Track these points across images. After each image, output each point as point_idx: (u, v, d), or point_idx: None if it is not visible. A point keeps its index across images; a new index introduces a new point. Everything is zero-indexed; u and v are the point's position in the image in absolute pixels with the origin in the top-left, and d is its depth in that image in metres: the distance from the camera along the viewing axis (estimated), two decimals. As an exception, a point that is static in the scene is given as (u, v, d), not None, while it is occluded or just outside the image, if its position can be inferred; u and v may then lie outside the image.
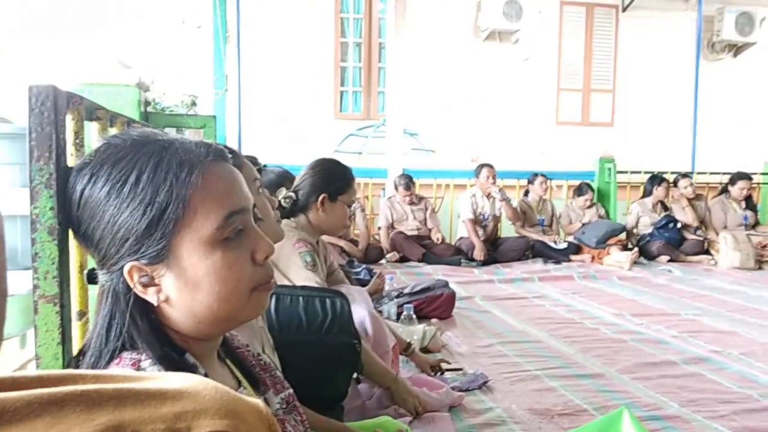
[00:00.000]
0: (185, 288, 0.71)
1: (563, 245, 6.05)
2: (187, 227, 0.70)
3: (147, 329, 0.72)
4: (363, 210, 5.94)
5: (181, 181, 0.70)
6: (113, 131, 1.46)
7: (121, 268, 0.71)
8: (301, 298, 1.87)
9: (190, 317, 0.73)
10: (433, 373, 2.57)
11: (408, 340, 2.65)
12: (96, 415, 0.37)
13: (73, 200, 0.73)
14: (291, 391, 0.97)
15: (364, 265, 4.77)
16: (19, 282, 1.77)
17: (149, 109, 2.84)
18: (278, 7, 7.52)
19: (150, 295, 0.72)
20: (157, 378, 0.42)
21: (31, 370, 0.42)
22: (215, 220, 0.71)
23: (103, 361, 0.70)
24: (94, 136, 1.30)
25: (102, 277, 0.74)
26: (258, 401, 0.45)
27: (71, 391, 0.38)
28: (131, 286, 0.71)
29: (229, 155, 0.79)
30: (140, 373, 0.44)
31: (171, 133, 0.80)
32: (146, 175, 0.69)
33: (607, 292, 4.64)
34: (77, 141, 0.97)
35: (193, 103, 5.18)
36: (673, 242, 6.18)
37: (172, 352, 0.72)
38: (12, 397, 0.36)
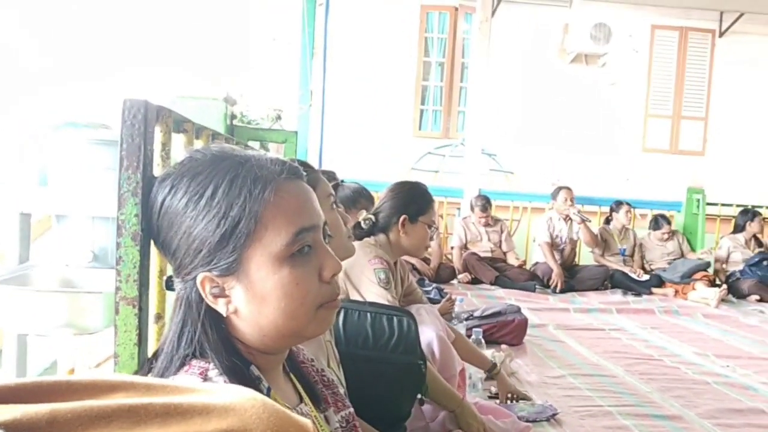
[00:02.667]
0: (253, 301, 0.73)
1: (645, 277, 5.79)
2: (258, 241, 0.72)
3: (216, 339, 0.73)
4: (437, 228, 5.91)
5: (254, 197, 0.71)
6: (199, 143, 1.53)
7: (195, 277, 0.73)
8: (369, 314, 1.88)
9: (256, 330, 0.74)
10: (508, 401, 2.52)
11: (494, 361, 2.62)
12: (141, 431, 0.37)
13: (154, 209, 0.76)
14: (352, 410, 0.96)
15: (434, 285, 4.74)
16: (108, 280, 1.87)
17: (235, 122, 2.95)
18: (364, 25, 7.67)
19: (220, 306, 0.73)
20: (206, 392, 0.42)
21: (87, 374, 0.43)
22: (285, 236, 0.72)
23: (173, 366, 0.72)
24: (180, 148, 1.36)
25: (177, 285, 0.76)
26: (307, 421, 0.45)
27: (120, 405, 0.38)
28: (203, 296, 0.73)
29: (304, 173, 0.79)
30: (191, 385, 0.44)
31: (251, 149, 0.81)
32: (222, 189, 0.71)
33: (690, 329, 4.40)
34: (164, 152, 1.02)
35: (278, 117, 5.33)
36: (766, 281, 5.78)
37: (239, 363, 0.73)
38: (64, 409, 0.37)
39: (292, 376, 0.86)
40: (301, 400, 0.83)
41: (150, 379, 0.44)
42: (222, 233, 0.71)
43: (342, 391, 0.98)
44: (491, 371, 2.57)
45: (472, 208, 5.95)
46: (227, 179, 0.72)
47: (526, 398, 2.57)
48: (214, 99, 2.59)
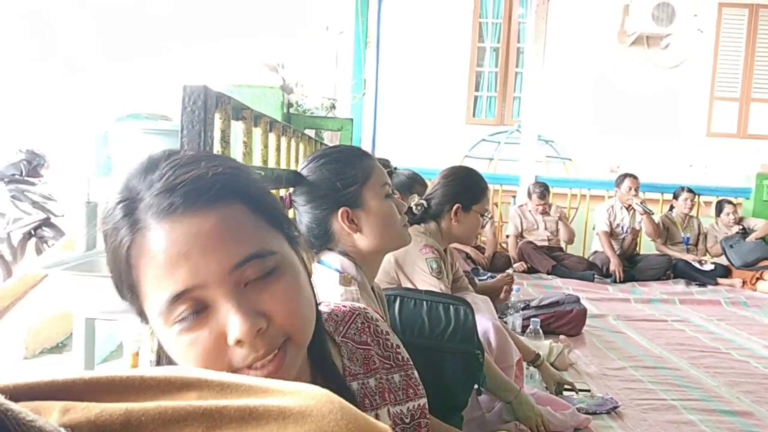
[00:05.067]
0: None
1: (710, 267, 5.57)
2: (145, 298, 0.61)
3: None
4: (491, 217, 5.83)
5: (121, 248, 0.60)
6: (257, 131, 1.54)
7: None
8: (425, 302, 1.86)
9: None
10: (556, 392, 2.46)
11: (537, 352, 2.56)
12: None
13: None
14: (424, 401, 0.84)
15: (489, 274, 4.68)
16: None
17: (291, 110, 2.97)
18: (417, 12, 7.60)
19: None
20: (282, 392, 0.41)
21: (161, 369, 0.43)
22: (158, 304, 0.59)
23: None
24: (240, 135, 1.37)
25: None
26: (386, 427, 0.43)
27: (195, 409, 0.37)
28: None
29: (217, 195, 0.60)
30: (266, 384, 0.42)
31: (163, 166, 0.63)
32: (104, 234, 0.63)
33: (759, 321, 4.21)
34: (224, 139, 1.03)
35: (333, 106, 5.36)
36: (842, 271, 5.47)
37: None
38: (137, 409, 0.36)
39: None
40: None
41: (224, 377, 0.42)
42: (114, 283, 0.64)
43: (416, 375, 0.86)
44: (534, 362, 2.50)
45: (529, 195, 5.83)
46: (107, 223, 0.62)
47: (573, 387, 2.49)
48: (271, 87, 2.61)
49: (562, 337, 3.30)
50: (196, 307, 0.58)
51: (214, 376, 0.42)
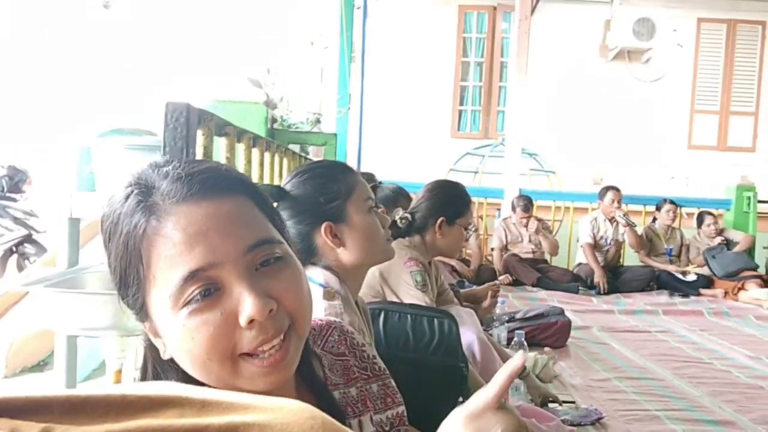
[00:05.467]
0: (170, 350, 0.64)
1: (692, 277, 5.62)
2: (152, 286, 0.61)
3: (176, 377, 0.65)
4: (476, 230, 5.86)
5: (133, 234, 0.61)
6: (240, 147, 1.55)
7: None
8: (409, 316, 1.87)
9: (191, 372, 0.64)
10: (540, 404, 2.46)
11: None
12: None
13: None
14: (402, 409, 0.86)
15: (474, 286, 4.69)
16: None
17: (276, 125, 2.98)
18: (402, 27, 7.67)
19: (159, 346, 0.66)
20: (265, 409, 0.40)
21: (142, 387, 0.42)
22: (171, 284, 0.59)
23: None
24: (222, 151, 1.38)
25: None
26: None
27: (176, 428, 0.37)
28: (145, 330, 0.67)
29: (227, 187, 0.64)
30: (247, 401, 0.41)
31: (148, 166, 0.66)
32: (111, 228, 0.63)
33: (741, 331, 4.25)
34: (206, 155, 1.03)
35: (318, 121, 5.38)
36: (822, 281, 5.56)
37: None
38: (117, 430, 0.36)
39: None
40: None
41: (205, 394, 0.42)
42: (119, 279, 0.63)
43: (393, 383, 0.87)
44: (520, 375, 2.50)
45: (513, 209, 5.87)
46: (115, 215, 0.62)
47: (556, 400, 2.50)
48: (255, 103, 2.62)
49: (546, 349, 3.32)
50: (207, 288, 0.60)
51: (196, 393, 0.42)
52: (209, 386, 0.63)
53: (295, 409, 0.41)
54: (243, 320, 0.60)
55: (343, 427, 0.42)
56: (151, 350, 0.67)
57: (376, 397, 0.84)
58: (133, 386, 0.43)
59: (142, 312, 0.64)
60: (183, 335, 0.60)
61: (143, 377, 0.69)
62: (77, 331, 2.06)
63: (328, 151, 3.02)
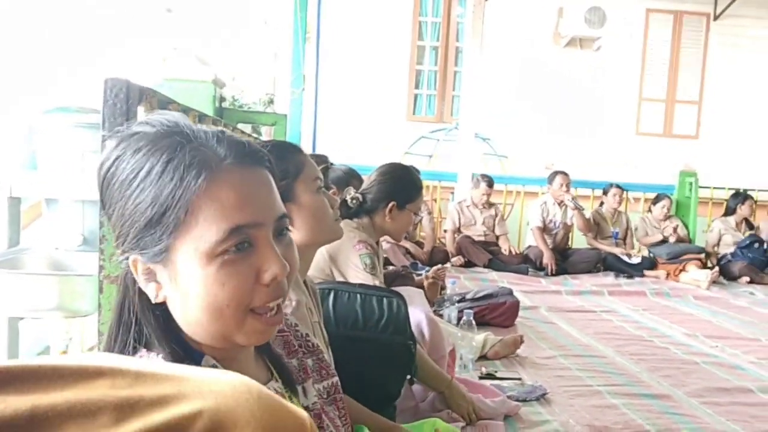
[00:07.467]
0: (177, 293, 0.68)
1: (637, 260, 5.83)
2: (186, 233, 0.66)
3: (155, 325, 0.70)
4: (430, 213, 5.92)
5: (186, 184, 0.65)
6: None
7: (128, 258, 0.69)
8: (359, 295, 1.89)
9: (185, 324, 0.70)
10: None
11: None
12: (124, 428, 0.36)
13: (99, 181, 0.70)
14: (336, 379, 0.94)
15: (427, 268, 4.75)
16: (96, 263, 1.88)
17: (225, 104, 2.94)
18: (358, 9, 7.62)
19: (149, 290, 0.69)
20: (200, 381, 0.41)
21: (75, 358, 0.42)
22: (216, 232, 0.65)
23: (113, 352, 0.69)
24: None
25: (121, 263, 0.72)
26: (304, 414, 0.43)
27: (107, 402, 0.37)
28: (135, 277, 0.70)
29: (266, 160, 0.72)
30: (183, 373, 0.42)
31: (213, 128, 0.73)
32: (155, 171, 0.65)
33: (680, 310, 4.44)
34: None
35: (271, 101, 5.32)
36: (757, 263, 5.83)
37: (184, 352, 0.69)
38: (44, 405, 0.36)
39: (264, 355, 0.83)
40: (272, 376, 0.80)
41: (139, 365, 0.41)
42: (149, 219, 0.66)
43: (327, 357, 0.95)
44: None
45: (477, 184, 5.90)
46: (163, 160, 0.66)
47: (506, 378, 2.55)
48: (203, 81, 2.58)
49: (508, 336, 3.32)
50: (243, 243, 0.67)
51: (132, 364, 0.41)
52: (196, 336, 0.70)
53: (231, 382, 0.41)
54: (267, 277, 0.67)
55: (280, 399, 0.43)
56: (137, 295, 0.70)
57: (312, 370, 0.90)
58: (66, 357, 0.43)
59: (161, 254, 0.67)
60: (213, 281, 0.65)
61: (118, 324, 0.71)
62: (20, 312, 2.02)
63: (278, 131, 3.00)
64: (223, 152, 0.68)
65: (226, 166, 0.67)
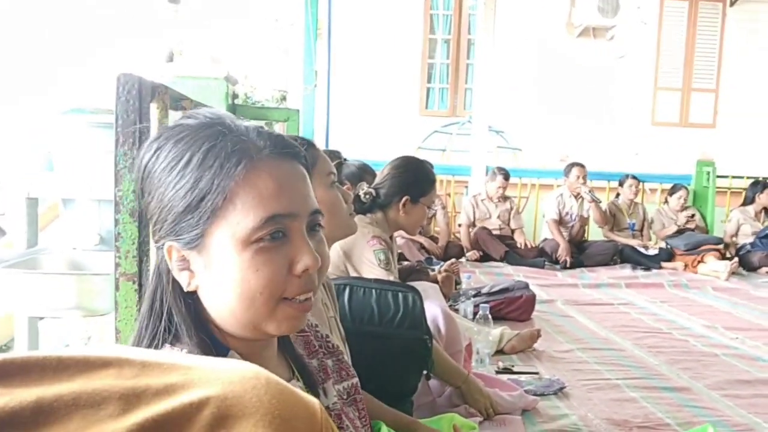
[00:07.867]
0: (210, 280, 0.69)
1: (654, 251, 5.76)
2: (223, 219, 0.67)
3: (186, 313, 0.70)
4: (444, 207, 5.90)
5: (226, 172, 0.67)
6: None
7: (163, 245, 0.71)
8: (374, 291, 1.89)
9: (216, 313, 0.71)
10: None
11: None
12: (130, 418, 0.36)
13: (139, 171, 0.72)
14: (356, 380, 0.94)
15: (442, 263, 4.74)
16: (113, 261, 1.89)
17: (237, 101, 2.95)
18: (368, 4, 7.60)
19: (182, 279, 0.70)
20: (208, 369, 0.40)
21: (80, 349, 0.41)
22: (253, 220, 0.67)
23: (143, 344, 0.70)
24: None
25: (156, 252, 0.74)
26: (314, 401, 0.43)
27: (112, 392, 0.37)
28: (170, 266, 0.71)
29: (302, 152, 0.74)
30: (188, 362, 0.42)
31: (251, 123, 0.75)
32: (196, 158, 0.67)
33: (699, 302, 4.39)
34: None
35: (283, 98, 5.33)
36: (776, 253, 5.75)
37: (211, 343, 0.70)
38: (49, 397, 0.36)
39: (286, 353, 0.83)
40: (294, 375, 0.81)
41: (146, 355, 0.41)
42: (187, 204, 0.67)
43: (347, 359, 0.96)
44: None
45: (494, 177, 5.86)
46: (204, 149, 0.68)
47: (523, 372, 2.53)
48: (215, 78, 2.59)
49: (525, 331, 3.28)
50: (278, 232, 0.68)
51: (136, 354, 0.41)
52: (226, 326, 0.70)
53: (239, 370, 0.41)
54: (300, 268, 0.68)
55: (290, 386, 0.42)
56: (170, 284, 0.71)
57: (332, 370, 0.90)
58: (72, 349, 0.43)
59: (197, 239, 0.68)
60: (247, 266, 0.67)
61: (150, 313, 0.72)
62: (39, 312, 2.04)
63: (290, 126, 3.00)
64: (263, 143, 0.70)
65: (266, 156, 0.70)
